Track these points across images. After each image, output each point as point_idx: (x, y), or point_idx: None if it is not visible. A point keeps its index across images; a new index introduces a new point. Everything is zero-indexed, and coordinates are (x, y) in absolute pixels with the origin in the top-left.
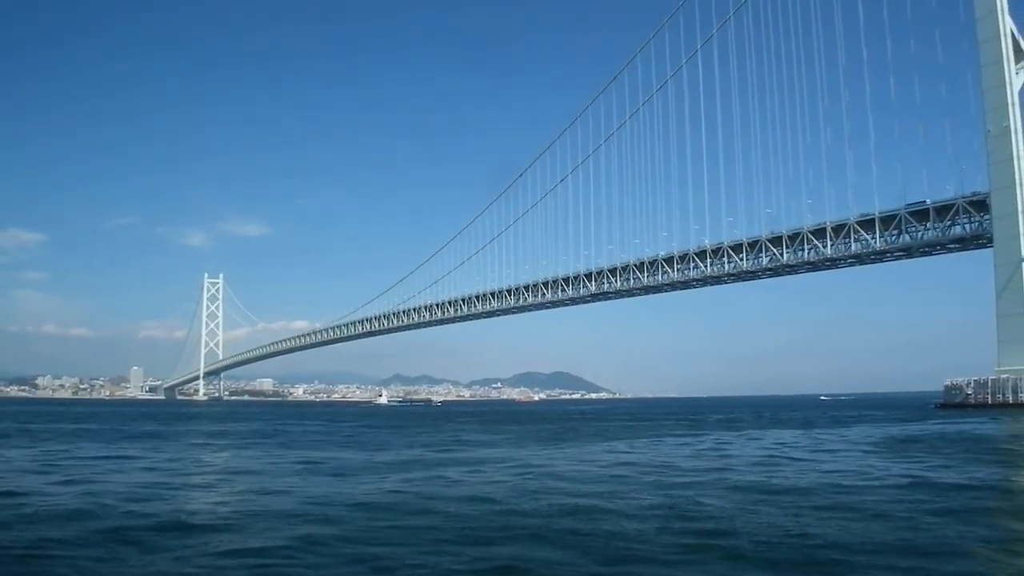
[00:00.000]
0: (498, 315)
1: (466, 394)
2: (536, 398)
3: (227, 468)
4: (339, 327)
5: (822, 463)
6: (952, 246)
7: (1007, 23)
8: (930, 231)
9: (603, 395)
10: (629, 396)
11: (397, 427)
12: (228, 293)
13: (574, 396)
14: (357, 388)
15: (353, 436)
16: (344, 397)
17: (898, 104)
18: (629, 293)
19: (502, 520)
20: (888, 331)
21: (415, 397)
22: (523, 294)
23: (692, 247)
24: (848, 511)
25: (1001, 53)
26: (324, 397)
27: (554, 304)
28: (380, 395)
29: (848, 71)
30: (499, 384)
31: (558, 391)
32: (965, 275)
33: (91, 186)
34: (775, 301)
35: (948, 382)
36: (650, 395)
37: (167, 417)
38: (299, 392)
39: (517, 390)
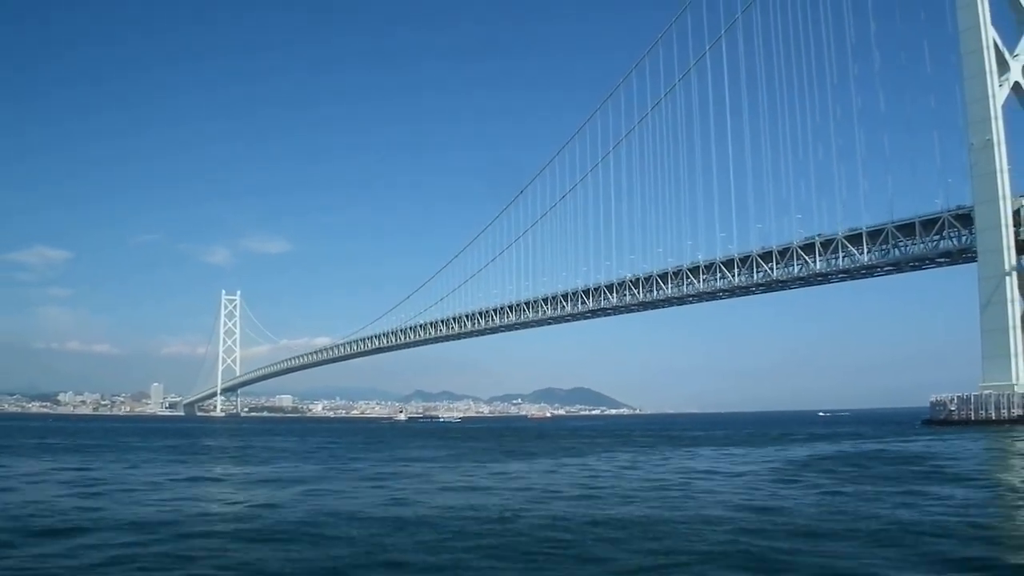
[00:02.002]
0: (501, 331)
1: (485, 410)
2: (548, 414)
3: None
4: (351, 343)
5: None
6: (941, 260)
7: (990, 35)
8: (917, 245)
9: (623, 411)
10: (649, 412)
11: (367, 443)
12: (245, 310)
13: (593, 412)
14: (376, 404)
15: (308, 452)
16: (363, 413)
17: (888, 117)
18: (627, 309)
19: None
20: (903, 343)
21: (433, 414)
22: (524, 310)
23: (686, 263)
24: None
25: (984, 66)
26: (343, 413)
27: (555, 320)
28: (400, 412)
29: (838, 85)
30: (519, 400)
31: (577, 407)
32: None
33: (114, 203)
34: (795, 313)
35: (933, 398)
36: (671, 411)
37: (148, 433)
38: (318, 408)
39: (536, 406)
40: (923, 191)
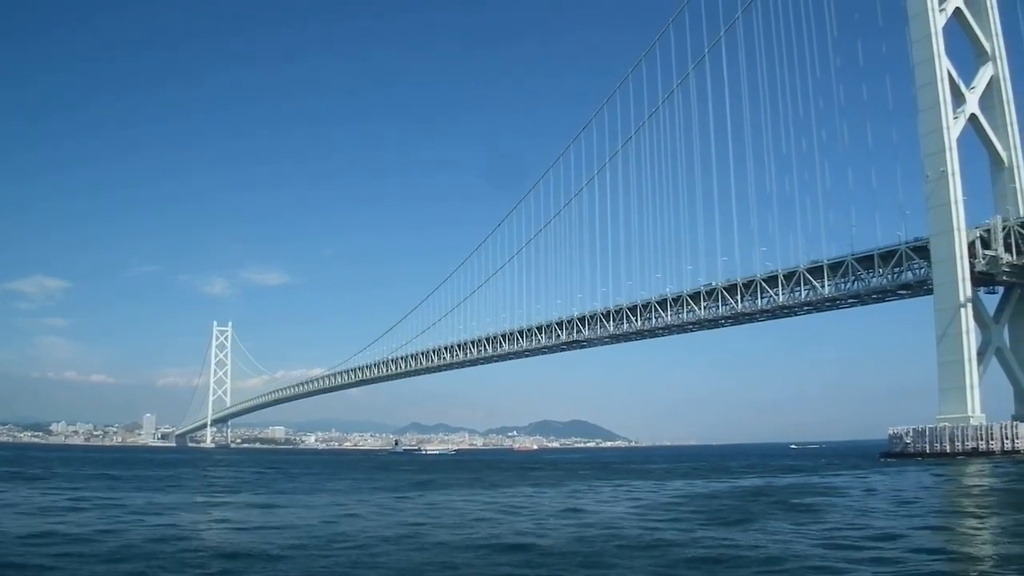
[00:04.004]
0: (480, 363)
1: (479, 443)
2: (535, 447)
3: None
4: (337, 374)
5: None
6: (902, 292)
7: (944, 68)
8: (877, 278)
9: (619, 443)
10: (645, 444)
11: (307, 474)
12: (236, 341)
13: (587, 444)
14: (370, 436)
15: (209, 483)
16: (356, 445)
17: (852, 150)
18: (600, 341)
19: None
20: (899, 374)
21: (415, 447)
22: (500, 342)
23: (654, 296)
24: None
25: (938, 98)
26: (336, 445)
27: (531, 352)
28: (395, 443)
29: (803, 118)
30: (514, 433)
31: (573, 439)
32: None
33: (113, 233)
34: (798, 344)
35: (891, 431)
36: (668, 443)
37: (111, 462)
38: (311, 440)
39: (532, 438)
40: (886, 223)
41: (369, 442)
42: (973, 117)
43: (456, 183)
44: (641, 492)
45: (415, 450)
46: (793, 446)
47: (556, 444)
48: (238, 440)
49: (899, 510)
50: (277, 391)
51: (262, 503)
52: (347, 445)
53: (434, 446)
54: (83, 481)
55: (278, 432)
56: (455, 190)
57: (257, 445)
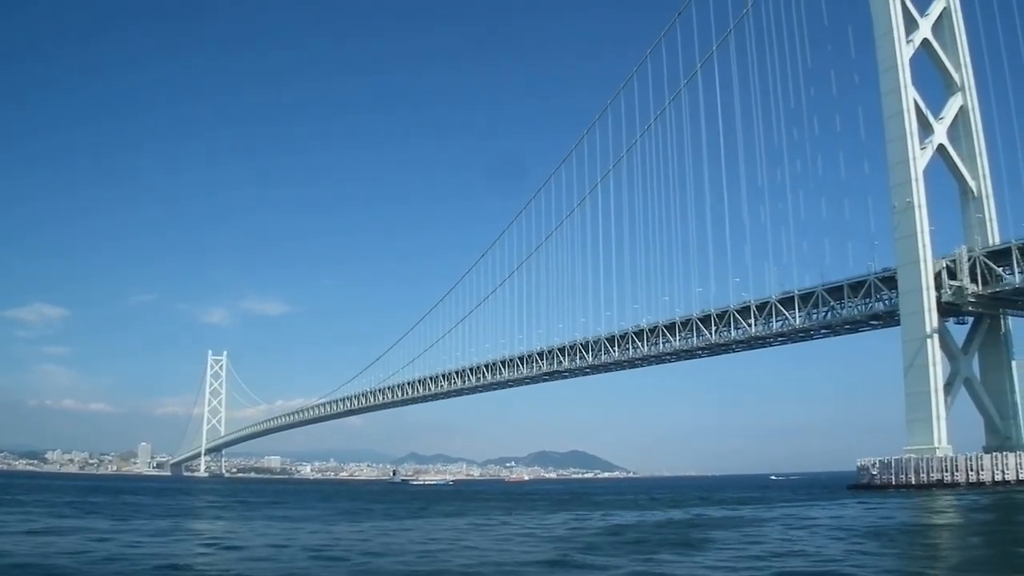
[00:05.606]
0: (466, 393)
1: (476, 473)
2: (527, 478)
3: None
4: (328, 404)
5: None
6: (873, 322)
7: (911, 99)
8: (847, 308)
9: (617, 474)
10: (644, 475)
11: (261, 503)
12: (231, 371)
13: (586, 475)
14: (366, 467)
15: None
16: (352, 476)
17: (825, 182)
18: (580, 372)
19: None
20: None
21: (426, 477)
22: (483, 373)
23: (631, 327)
24: None
25: (904, 129)
26: (332, 475)
27: (515, 383)
28: (393, 474)
29: (777, 151)
30: (512, 463)
31: (572, 470)
32: None
33: (113, 261)
34: (804, 372)
35: (859, 462)
36: (668, 473)
37: (88, 490)
38: (306, 470)
39: (529, 469)
40: (860, 253)
41: (366, 472)
42: (941, 147)
43: (458, 203)
44: (561, 523)
45: (411, 480)
46: (773, 476)
47: (553, 475)
48: (233, 469)
49: (788, 548)
50: (271, 420)
51: (134, 528)
52: (343, 475)
53: (431, 476)
54: (23, 506)
55: (274, 462)
56: (458, 212)
57: (252, 475)
